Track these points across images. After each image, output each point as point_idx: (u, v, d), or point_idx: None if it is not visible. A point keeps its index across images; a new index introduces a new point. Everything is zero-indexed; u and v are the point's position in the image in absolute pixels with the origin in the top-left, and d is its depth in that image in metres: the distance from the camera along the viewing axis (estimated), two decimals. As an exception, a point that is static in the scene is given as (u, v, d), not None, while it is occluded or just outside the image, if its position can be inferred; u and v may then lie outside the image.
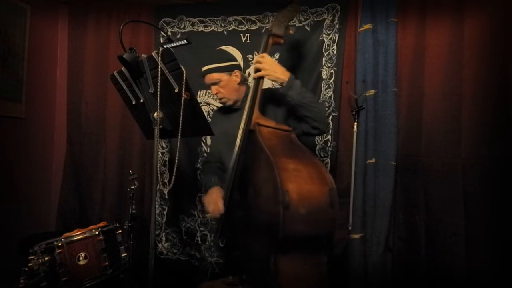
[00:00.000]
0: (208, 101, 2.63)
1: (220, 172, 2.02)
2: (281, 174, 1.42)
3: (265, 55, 1.76)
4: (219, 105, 2.59)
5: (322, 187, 1.46)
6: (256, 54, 2.49)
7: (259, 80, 1.75)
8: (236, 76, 1.90)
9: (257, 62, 1.74)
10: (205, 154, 2.66)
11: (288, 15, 1.88)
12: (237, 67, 1.95)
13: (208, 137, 2.56)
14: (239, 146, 1.69)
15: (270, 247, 1.45)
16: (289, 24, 1.89)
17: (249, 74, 2.55)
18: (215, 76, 1.87)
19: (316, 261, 1.51)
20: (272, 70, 1.71)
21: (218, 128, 2.01)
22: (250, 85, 1.85)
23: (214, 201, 1.78)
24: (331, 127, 2.42)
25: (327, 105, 2.40)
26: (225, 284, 1.66)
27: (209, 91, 2.58)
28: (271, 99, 1.89)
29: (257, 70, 1.75)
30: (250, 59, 2.55)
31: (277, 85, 1.92)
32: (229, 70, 1.89)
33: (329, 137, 2.43)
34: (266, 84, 2.05)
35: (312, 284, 1.50)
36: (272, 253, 1.44)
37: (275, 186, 1.40)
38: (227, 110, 2.04)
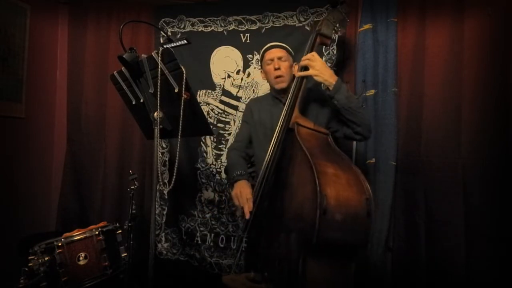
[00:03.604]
0: (208, 101, 2.63)
1: (244, 163, 1.99)
2: (320, 177, 1.39)
3: (315, 54, 1.71)
4: (219, 105, 2.62)
5: (360, 195, 1.42)
6: (256, 53, 2.51)
7: (303, 79, 1.72)
8: (294, 67, 1.90)
9: (307, 59, 1.69)
10: (204, 154, 2.66)
11: (339, 16, 1.85)
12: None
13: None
14: (276, 143, 1.66)
15: (301, 250, 1.44)
16: (337, 26, 1.85)
17: (248, 74, 2.55)
18: (282, 52, 1.89)
19: (344, 269, 1.48)
20: (322, 71, 1.67)
21: (254, 116, 2.01)
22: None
23: (244, 196, 1.71)
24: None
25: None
26: (247, 279, 1.63)
27: (209, 91, 2.62)
28: (314, 100, 1.87)
29: (304, 68, 1.72)
30: (249, 59, 2.54)
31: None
32: (292, 56, 1.92)
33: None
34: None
35: None
36: (301, 256, 1.43)
37: (313, 189, 1.38)
38: (267, 101, 2.01)
